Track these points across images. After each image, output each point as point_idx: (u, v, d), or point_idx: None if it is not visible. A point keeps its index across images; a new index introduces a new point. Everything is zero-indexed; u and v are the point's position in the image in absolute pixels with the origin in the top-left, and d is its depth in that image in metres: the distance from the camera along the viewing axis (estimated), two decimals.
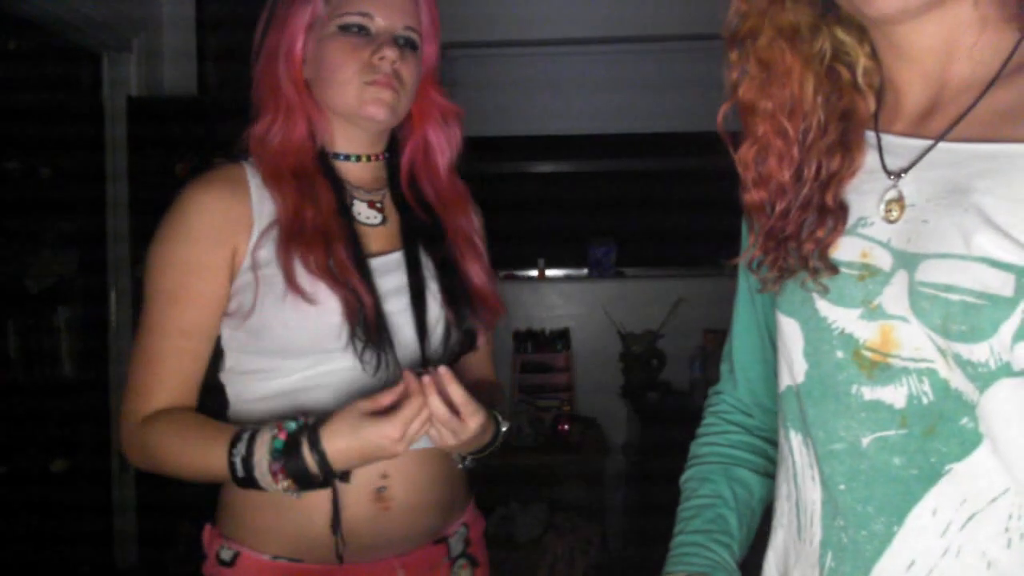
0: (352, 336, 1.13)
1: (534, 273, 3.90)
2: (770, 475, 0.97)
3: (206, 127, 3.35)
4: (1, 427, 3.17)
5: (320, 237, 1.15)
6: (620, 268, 3.88)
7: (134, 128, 3.22)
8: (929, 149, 0.77)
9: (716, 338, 3.48)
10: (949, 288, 0.70)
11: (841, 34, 0.83)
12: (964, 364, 0.70)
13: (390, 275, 1.21)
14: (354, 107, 1.19)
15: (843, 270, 0.79)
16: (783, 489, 0.87)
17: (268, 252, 1.15)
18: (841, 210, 0.81)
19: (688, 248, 3.63)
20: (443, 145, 1.29)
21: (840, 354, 0.78)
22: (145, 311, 1.17)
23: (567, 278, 3.93)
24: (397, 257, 1.23)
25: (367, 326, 1.14)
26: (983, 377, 0.70)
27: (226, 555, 1.20)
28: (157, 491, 3.31)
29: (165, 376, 1.15)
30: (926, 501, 0.73)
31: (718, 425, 1.02)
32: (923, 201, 0.75)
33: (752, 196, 0.85)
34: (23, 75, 3.17)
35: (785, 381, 0.85)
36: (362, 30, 1.19)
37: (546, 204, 3.88)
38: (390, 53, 1.17)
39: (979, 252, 0.69)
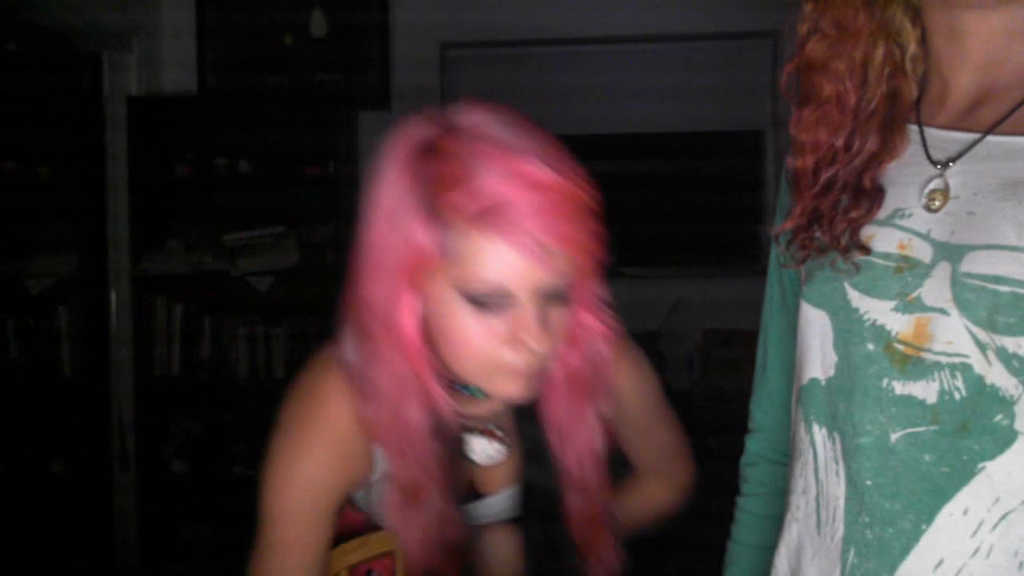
0: None
1: None
2: None
3: (206, 125, 3.37)
4: (1, 427, 3.16)
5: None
6: (620, 268, 3.87)
7: (134, 127, 3.22)
8: (977, 141, 0.75)
9: (716, 338, 3.48)
10: (998, 279, 0.68)
11: (900, 10, 0.81)
12: (1009, 358, 0.68)
13: (496, 515, 1.09)
14: (480, 383, 0.95)
15: (879, 261, 0.77)
16: (799, 483, 0.84)
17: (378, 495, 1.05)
18: (878, 193, 0.79)
19: (688, 248, 3.63)
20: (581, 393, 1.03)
21: (871, 346, 0.75)
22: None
23: None
24: (506, 497, 1.09)
25: None
26: None
27: None
28: (157, 492, 3.32)
29: None
30: (957, 500, 0.71)
31: (758, 501, 0.99)
32: (969, 194, 0.73)
33: (801, 161, 0.82)
34: (22, 75, 3.17)
35: (810, 374, 0.82)
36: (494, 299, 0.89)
37: None
38: (535, 343, 0.89)
39: None
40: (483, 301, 0.88)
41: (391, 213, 0.90)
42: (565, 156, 0.91)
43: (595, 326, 1.00)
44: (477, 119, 0.91)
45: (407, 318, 0.92)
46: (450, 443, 1.01)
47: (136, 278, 3.25)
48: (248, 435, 3.30)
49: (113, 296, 3.31)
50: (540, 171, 0.86)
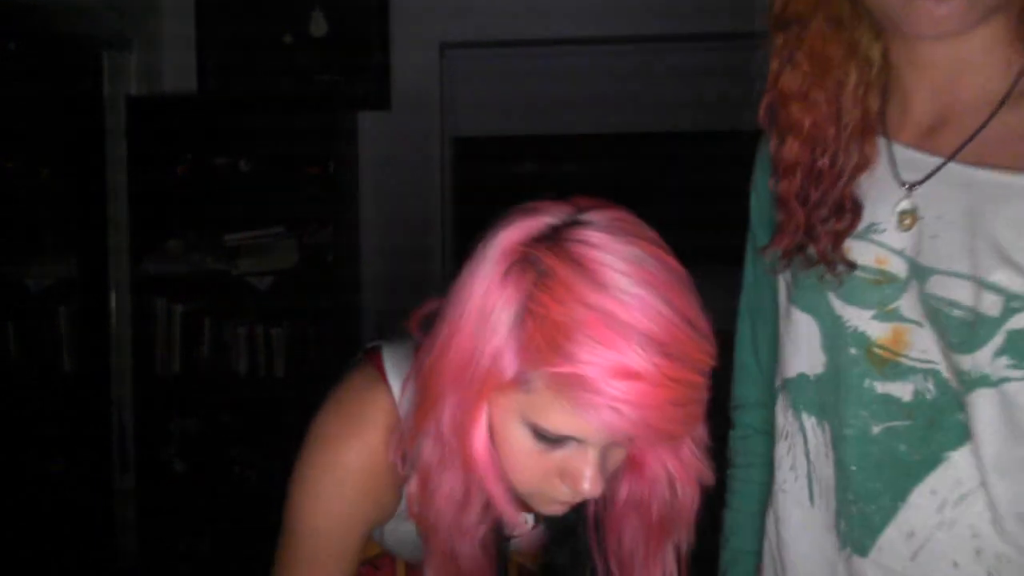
0: None
1: None
2: None
3: (206, 125, 3.37)
4: (1, 427, 3.17)
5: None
6: None
7: (134, 127, 3.22)
8: (940, 167, 0.80)
9: (716, 338, 3.48)
10: (952, 303, 0.78)
11: (867, 33, 0.85)
12: (958, 371, 0.79)
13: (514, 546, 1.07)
14: (524, 497, 0.92)
15: (858, 274, 0.84)
16: (786, 461, 0.94)
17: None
18: (857, 206, 0.85)
19: (688, 247, 3.62)
20: (648, 526, 0.96)
21: (853, 350, 0.85)
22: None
23: None
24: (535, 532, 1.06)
25: None
26: (967, 383, 0.79)
27: None
28: (157, 492, 3.32)
29: None
30: (927, 482, 0.83)
31: (754, 471, 1.04)
32: (933, 217, 0.80)
33: (786, 184, 0.87)
34: (23, 74, 3.17)
35: (798, 368, 0.91)
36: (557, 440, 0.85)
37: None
38: (588, 487, 0.85)
39: (982, 274, 0.75)
40: (545, 437, 0.83)
41: (480, 320, 0.83)
42: (687, 303, 0.83)
43: (675, 467, 0.93)
44: (593, 242, 0.81)
45: (480, 435, 0.87)
46: (499, 545, 0.97)
47: (136, 278, 3.25)
48: (248, 435, 3.31)
49: (113, 296, 3.31)
50: (639, 361, 0.77)
